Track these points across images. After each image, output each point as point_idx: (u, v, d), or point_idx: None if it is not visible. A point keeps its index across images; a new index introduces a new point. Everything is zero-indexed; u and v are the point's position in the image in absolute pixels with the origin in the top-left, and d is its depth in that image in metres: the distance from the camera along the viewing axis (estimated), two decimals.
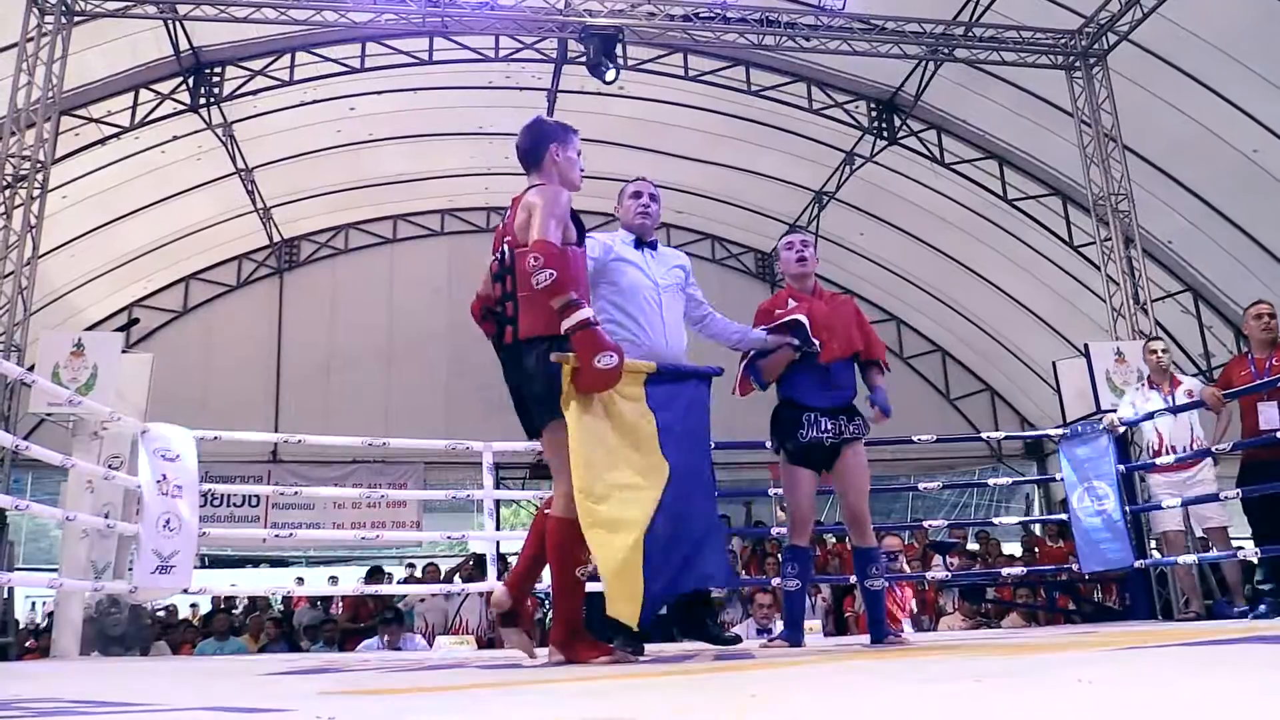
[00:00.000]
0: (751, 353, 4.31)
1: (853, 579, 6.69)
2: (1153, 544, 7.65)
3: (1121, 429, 6.80)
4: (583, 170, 3.65)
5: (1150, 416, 6.53)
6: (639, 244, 4.09)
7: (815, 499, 4.35)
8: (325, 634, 9.10)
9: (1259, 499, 5.78)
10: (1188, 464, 6.49)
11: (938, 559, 9.26)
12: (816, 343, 4.13)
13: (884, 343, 4.60)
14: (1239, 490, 5.94)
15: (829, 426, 4.14)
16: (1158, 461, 6.58)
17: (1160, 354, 6.84)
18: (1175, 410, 6.56)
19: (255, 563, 15.95)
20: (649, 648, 4.11)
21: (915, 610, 8.13)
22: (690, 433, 3.45)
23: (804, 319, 4.16)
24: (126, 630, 6.54)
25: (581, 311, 3.10)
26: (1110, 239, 9.77)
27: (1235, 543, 6.72)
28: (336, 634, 9.15)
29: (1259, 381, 5.91)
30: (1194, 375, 7.23)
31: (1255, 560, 6.18)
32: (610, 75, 9.82)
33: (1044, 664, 2.42)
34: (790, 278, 4.47)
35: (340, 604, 10.54)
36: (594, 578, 3.19)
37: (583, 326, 3.08)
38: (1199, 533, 7.07)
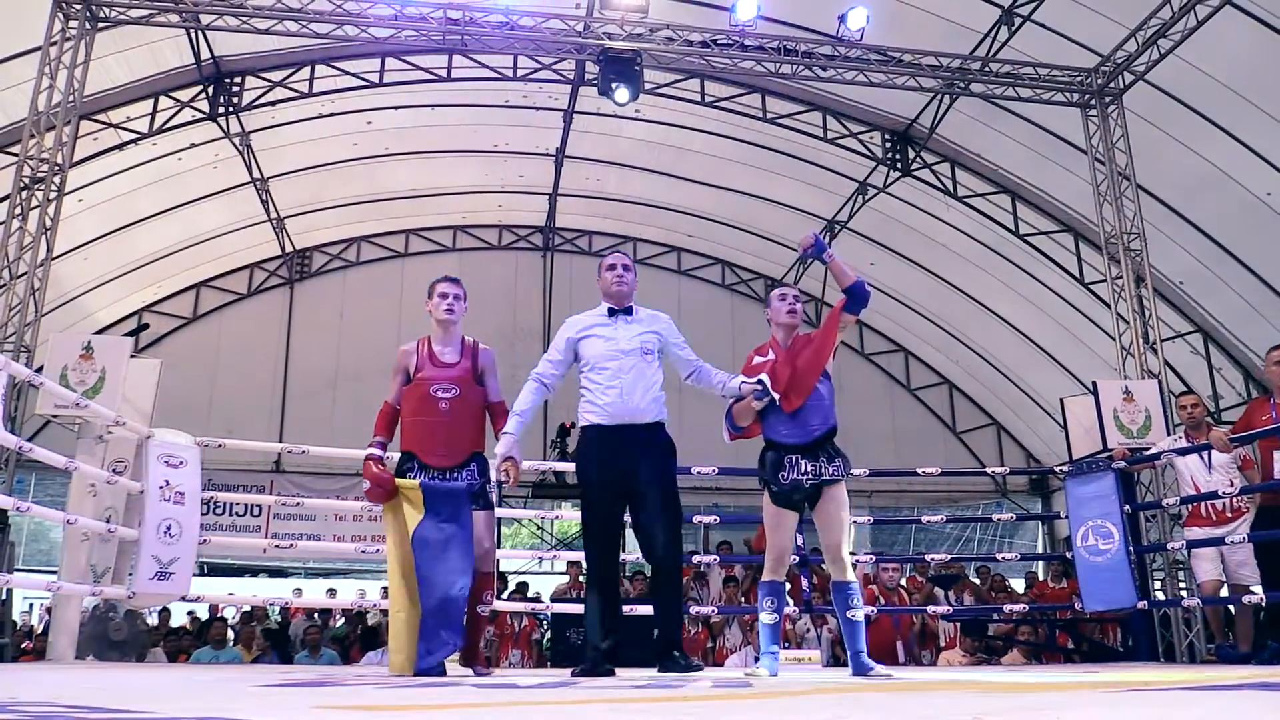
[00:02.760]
0: (731, 402, 4.52)
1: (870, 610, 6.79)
2: (1156, 584, 7.61)
3: (1124, 464, 6.77)
4: (448, 310, 4.44)
5: (1184, 453, 6.46)
6: (613, 312, 4.48)
7: (794, 536, 4.57)
8: (310, 636, 9.01)
9: (1271, 545, 5.72)
10: (1228, 518, 6.26)
11: (938, 592, 9.18)
12: (775, 395, 4.31)
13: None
14: (1245, 535, 5.89)
15: (808, 469, 4.29)
16: (1184, 511, 6.46)
17: (1191, 408, 6.63)
18: (1184, 451, 6.52)
19: (254, 572, 15.92)
20: (643, 674, 4.22)
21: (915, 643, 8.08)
22: (453, 526, 4.12)
23: (765, 377, 4.34)
24: (123, 636, 6.52)
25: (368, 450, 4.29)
26: (1121, 277, 9.76)
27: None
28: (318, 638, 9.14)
29: (1273, 426, 5.84)
30: (1221, 425, 7.11)
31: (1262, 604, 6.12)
32: (621, 96, 9.84)
33: (1044, 703, 2.40)
34: (776, 326, 4.55)
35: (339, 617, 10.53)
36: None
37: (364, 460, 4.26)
38: (1225, 588, 6.87)
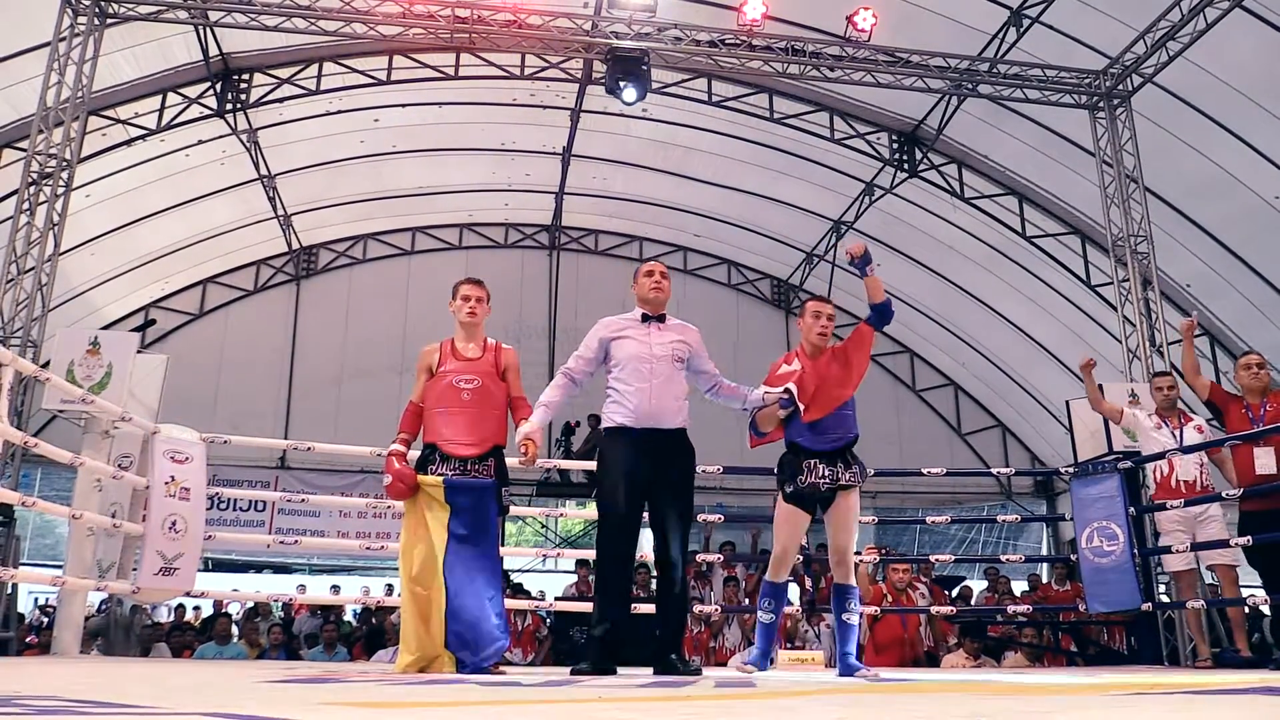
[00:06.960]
0: (754, 408, 4.60)
1: (874, 609, 6.87)
2: (1162, 587, 7.58)
3: (1129, 464, 6.75)
4: (469, 314, 4.45)
5: (1162, 456, 6.45)
6: (646, 318, 4.53)
7: (802, 539, 4.64)
8: (327, 634, 9.09)
9: (1265, 548, 5.71)
10: (1197, 492, 6.32)
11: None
12: (801, 406, 4.42)
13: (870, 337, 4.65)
14: (1249, 538, 5.87)
15: (826, 473, 4.41)
16: (1169, 503, 6.46)
17: (1168, 390, 6.76)
18: (1185, 450, 6.49)
19: (258, 568, 15.95)
20: (642, 673, 4.26)
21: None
22: (476, 521, 4.17)
23: (794, 387, 4.44)
24: (128, 631, 6.53)
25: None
26: (1128, 280, 9.74)
27: (1245, 591, 6.57)
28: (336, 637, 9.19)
29: (1257, 430, 5.86)
30: (1208, 419, 7.10)
31: (1263, 608, 6.11)
32: (629, 96, 9.84)
33: (1047, 706, 2.39)
34: (807, 341, 4.64)
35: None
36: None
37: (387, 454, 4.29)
38: (1206, 570, 6.90)
